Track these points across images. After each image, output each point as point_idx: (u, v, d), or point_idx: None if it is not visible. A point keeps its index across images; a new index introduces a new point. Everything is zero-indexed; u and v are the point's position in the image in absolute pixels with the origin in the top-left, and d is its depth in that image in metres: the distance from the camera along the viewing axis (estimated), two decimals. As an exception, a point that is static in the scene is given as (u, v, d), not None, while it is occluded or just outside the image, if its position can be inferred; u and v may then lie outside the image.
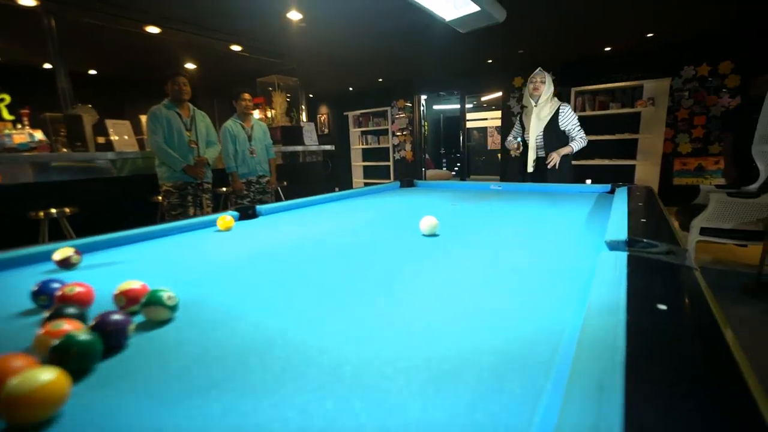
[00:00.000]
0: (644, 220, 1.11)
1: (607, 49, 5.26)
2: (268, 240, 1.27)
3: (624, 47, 5.24)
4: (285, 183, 4.74)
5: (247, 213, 1.75)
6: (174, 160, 3.25)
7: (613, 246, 0.91)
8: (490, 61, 5.67)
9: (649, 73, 5.44)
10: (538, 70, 2.71)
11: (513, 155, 3.09)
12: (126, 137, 3.98)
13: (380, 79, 6.99)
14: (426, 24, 3.70)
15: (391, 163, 7.99)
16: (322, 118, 8.88)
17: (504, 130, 6.63)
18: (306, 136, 5.51)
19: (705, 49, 5.18)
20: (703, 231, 3.05)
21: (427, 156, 11.34)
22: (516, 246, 1.07)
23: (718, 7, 3.94)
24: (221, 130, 3.73)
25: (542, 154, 2.77)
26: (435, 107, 12.08)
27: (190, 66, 5.50)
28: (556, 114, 2.71)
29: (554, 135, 2.72)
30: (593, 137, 5.38)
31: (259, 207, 1.78)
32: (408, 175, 7.96)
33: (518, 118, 3.01)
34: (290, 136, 5.16)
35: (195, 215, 3.54)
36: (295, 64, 5.15)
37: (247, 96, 3.81)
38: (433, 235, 1.19)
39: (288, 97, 5.77)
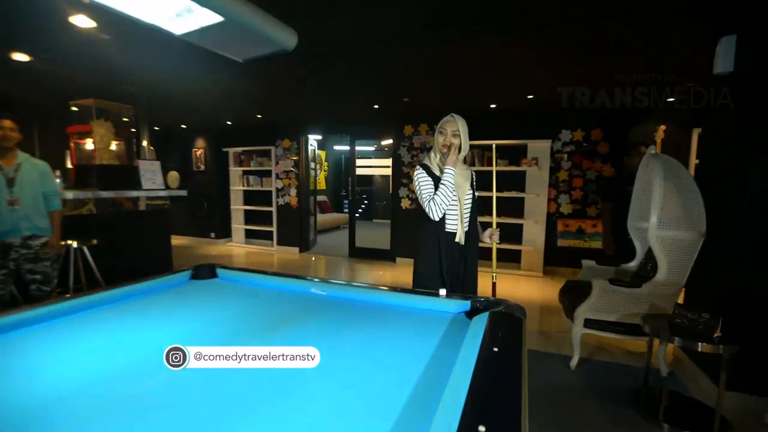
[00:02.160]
0: None
1: (493, 106, 5.11)
2: None
3: (508, 106, 5.13)
4: (95, 241, 3.50)
5: None
6: None
7: None
8: (376, 106, 5.19)
9: (532, 133, 5.41)
10: (449, 117, 1.94)
11: None
12: None
13: (258, 116, 6.13)
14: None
15: (274, 209, 7.00)
16: (198, 153, 7.65)
17: (395, 180, 6.15)
18: (145, 178, 4.33)
19: (579, 116, 5.30)
20: (588, 322, 2.61)
21: (324, 198, 10.60)
22: None
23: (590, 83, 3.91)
24: (-49, 171, 2.49)
25: (467, 224, 2.00)
26: (336, 147, 11.55)
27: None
28: (473, 177, 2.05)
29: (475, 200, 2.05)
30: (484, 193, 5.10)
31: None
32: (292, 224, 6.95)
33: (423, 170, 1.99)
34: (114, 179, 3.95)
35: None
36: (125, 85, 4.04)
37: (6, 123, 2.64)
38: None
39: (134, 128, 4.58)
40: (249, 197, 7.47)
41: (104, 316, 1.37)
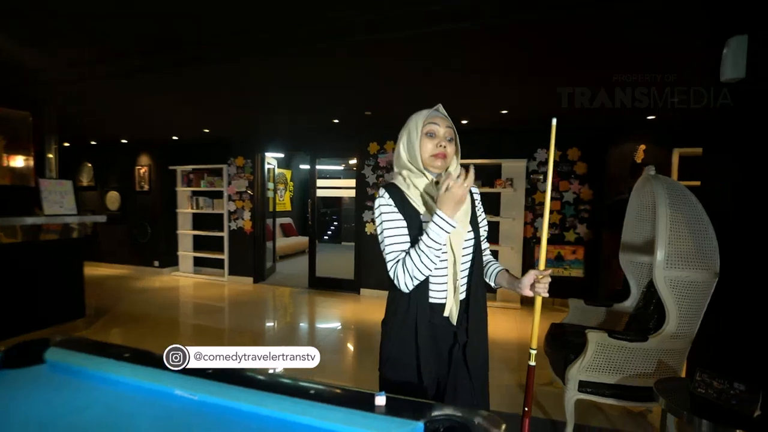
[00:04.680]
0: None
1: (464, 122, 4.69)
2: None
3: (481, 122, 4.73)
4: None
5: None
6: None
7: None
8: (336, 120, 4.67)
9: (507, 152, 5.02)
10: (434, 110, 1.24)
11: None
12: None
13: (206, 130, 5.49)
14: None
15: (225, 234, 6.28)
16: (142, 171, 6.87)
17: (357, 204, 5.59)
18: (49, 201, 3.60)
19: (556, 133, 4.96)
20: (582, 385, 2.09)
21: (289, 221, 9.91)
22: None
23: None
24: None
25: (464, 288, 1.21)
26: (302, 167, 10.96)
27: None
28: (472, 201, 1.27)
29: (479, 243, 1.26)
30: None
31: None
32: (246, 251, 6.06)
33: (391, 199, 1.19)
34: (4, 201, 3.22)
35: None
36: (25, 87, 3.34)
37: None
38: None
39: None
40: (198, 221, 6.71)
41: None
